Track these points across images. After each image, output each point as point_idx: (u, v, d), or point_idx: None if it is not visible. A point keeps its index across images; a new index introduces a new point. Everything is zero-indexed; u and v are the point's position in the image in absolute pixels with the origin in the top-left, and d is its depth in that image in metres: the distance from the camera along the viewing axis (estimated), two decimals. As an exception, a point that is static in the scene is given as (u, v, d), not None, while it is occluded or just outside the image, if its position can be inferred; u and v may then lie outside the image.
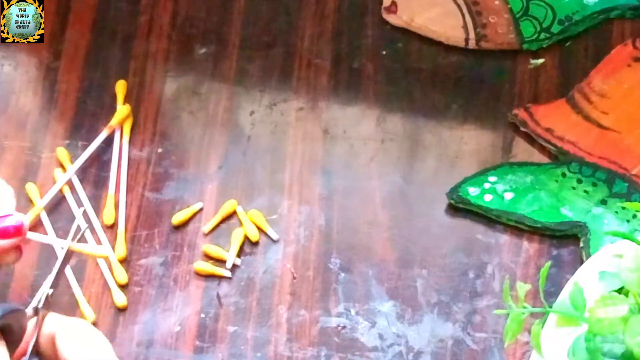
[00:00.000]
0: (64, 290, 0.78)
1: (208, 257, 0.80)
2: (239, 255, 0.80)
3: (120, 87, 0.86)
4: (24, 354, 0.64)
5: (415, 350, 0.76)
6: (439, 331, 0.77)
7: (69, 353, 0.63)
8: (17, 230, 0.70)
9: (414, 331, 0.77)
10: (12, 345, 0.63)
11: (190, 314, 0.78)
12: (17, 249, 0.72)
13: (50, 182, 0.83)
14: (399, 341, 0.77)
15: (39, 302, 0.66)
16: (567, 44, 0.88)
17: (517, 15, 0.88)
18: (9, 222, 0.70)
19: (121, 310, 0.78)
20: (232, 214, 0.81)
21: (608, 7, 0.89)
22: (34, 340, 0.65)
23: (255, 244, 0.80)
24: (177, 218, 0.81)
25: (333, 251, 0.80)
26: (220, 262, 0.80)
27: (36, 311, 0.65)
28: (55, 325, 0.65)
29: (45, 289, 0.67)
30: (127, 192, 0.82)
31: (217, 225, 0.81)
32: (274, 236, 0.80)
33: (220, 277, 0.79)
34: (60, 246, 0.69)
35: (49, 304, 0.67)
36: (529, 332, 0.61)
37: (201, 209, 0.82)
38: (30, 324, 0.65)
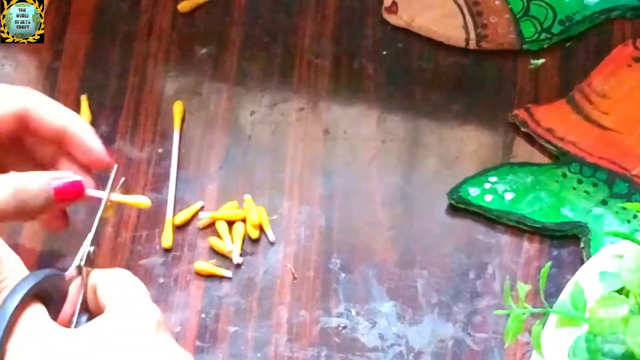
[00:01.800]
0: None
1: (213, 251, 0.80)
2: (239, 255, 0.80)
3: (177, 108, 0.86)
4: (73, 315, 0.64)
5: (415, 351, 0.76)
6: (440, 331, 0.77)
7: (105, 296, 0.62)
8: (78, 189, 0.68)
9: (415, 331, 0.77)
10: (53, 309, 0.62)
11: (191, 314, 0.78)
12: (64, 216, 0.71)
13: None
14: (400, 341, 0.77)
15: (82, 260, 0.65)
16: (568, 44, 0.88)
17: (518, 16, 0.88)
18: (70, 179, 0.68)
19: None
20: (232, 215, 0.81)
21: (609, 7, 0.89)
22: (80, 298, 0.64)
23: (256, 243, 0.80)
24: (179, 218, 0.81)
25: (333, 251, 0.80)
26: (223, 258, 0.79)
27: (79, 270, 0.64)
28: (96, 277, 0.64)
29: (86, 247, 0.66)
30: (127, 193, 0.82)
31: (213, 222, 0.81)
32: (271, 238, 0.80)
33: (221, 277, 0.79)
34: (101, 197, 0.69)
35: (92, 261, 0.66)
36: (530, 332, 0.61)
37: (202, 208, 0.81)
38: (76, 284, 0.64)
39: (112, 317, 0.61)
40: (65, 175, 0.69)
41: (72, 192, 0.68)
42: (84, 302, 0.64)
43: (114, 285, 0.63)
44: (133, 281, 0.64)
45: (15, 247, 0.79)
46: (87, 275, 0.65)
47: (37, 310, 0.60)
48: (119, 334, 0.60)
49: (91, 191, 0.70)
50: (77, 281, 0.65)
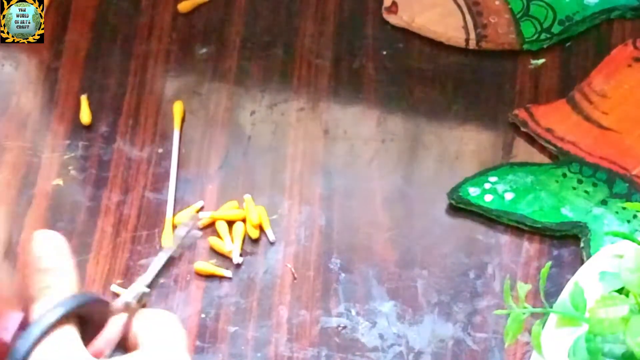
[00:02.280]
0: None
1: (213, 251, 0.80)
2: (239, 255, 0.80)
3: (177, 108, 0.86)
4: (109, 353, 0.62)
5: (415, 351, 0.76)
6: (440, 331, 0.77)
7: (143, 338, 0.61)
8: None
9: (415, 331, 0.77)
10: (87, 336, 0.60)
11: (191, 314, 0.78)
12: None
13: (50, 183, 0.82)
14: (400, 341, 0.77)
15: (134, 298, 0.62)
16: (568, 44, 0.88)
17: (518, 16, 0.88)
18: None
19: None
20: (232, 215, 0.81)
21: (608, 7, 0.89)
22: (118, 335, 0.62)
23: (256, 243, 0.80)
24: (179, 218, 0.81)
25: (333, 251, 0.80)
26: (223, 258, 0.80)
27: (127, 307, 0.62)
28: (142, 318, 0.62)
29: (141, 288, 0.63)
30: (127, 192, 0.82)
31: (213, 222, 0.81)
32: (271, 238, 0.80)
33: (221, 277, 0.79)
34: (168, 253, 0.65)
35: (143, 302, 0.63)
36: (530, 332, 0.61)
37: (202, 208, 0.81)
38: (120, 319, 0.62)
39: (141, 357, 0.59)
40: None
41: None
42: (124, 340, 0.62)
43: (154, 328, 0.61)
44: (174, 328, 0.62)
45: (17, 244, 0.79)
46: (134, 313, 0.62)
47: (71, 332, 0.59)
48: None
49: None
50: (119, 316, 0.62)
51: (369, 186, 0.83)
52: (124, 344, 0.62)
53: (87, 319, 0.60)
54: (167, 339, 0.61)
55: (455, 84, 0.87)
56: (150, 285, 0.63)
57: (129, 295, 0.62)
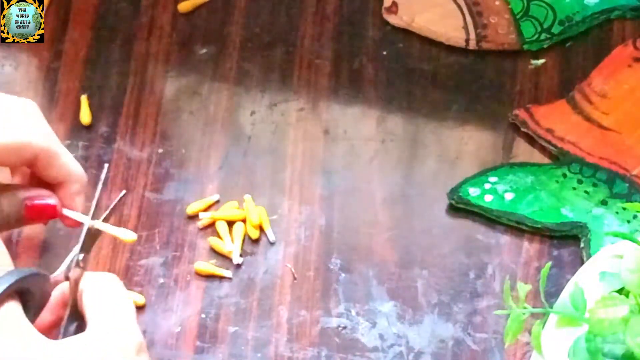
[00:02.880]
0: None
1: (213, 251, 0.80)
2: (239, 255, 0.80)
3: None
4: (59, 321, 0.63)
5: (415, 351, 0.76)
6: (440, 331, 0.77)
7: (89, 308, 0.61)
8: (51, 212, 0.66)
9: (415, 332, 0.77)
10: (32, 311, 0.60)
11: (191, 314, 0.78)
12: None
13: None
14: (400, 342, 0.77)
15: (69, 267, 0.63)
16: (568, 44, 0.88)
17: (518, 16, 0.88)
18: (43, 201, 0.66)
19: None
20: (232, 215, 0.81)
21: (609, 7, 0.89)
22: (66, 305, 0.62)
23: (256, 243, 0.80)
24: (192, 208, 0.81)
25: (333, 251, 0.80)
26: (223, 258, 0.80)
27: (67, 277, 0.63)
28: (84, 284, 0.62)
29: (74, 254, 0.64)
30: (128, 193, 0.82)
31: (213, 222, 0.81)
32: (272, 238, 0.80)
33: (221, 278, 0.79)
34: (87, 222, 0.66)
35: (82, 269, 0.64)
36: (530, 332, 0.61)
37: (217, 201, 0.81)
38: (61, 288, 0.63)
39: (91, 338, 0.59)
40: (39, 195, 0.67)
41: (45, 215, 0.67)
42: (74, 307, 0.63)
43: (100, 298, 0.61)
44: (120, 296, 0.62)
45: (17, 244, 0.79)
46: (77, 281, 0.63)
47: (14, 308, 0.58)
48: (96, 357, 0.58)
49: (69, 212, 0.68)
50: (62, 286, 0.63)
51: (369, 186, 0.83)
52: (75, 312, 0.62)
53: (28, 294, 0.60)
54: (115, 316, 0.60)
55: (455, 84, 0.87)
56: (82, 250, 0.64)
57: (64, 265, 0.63)
